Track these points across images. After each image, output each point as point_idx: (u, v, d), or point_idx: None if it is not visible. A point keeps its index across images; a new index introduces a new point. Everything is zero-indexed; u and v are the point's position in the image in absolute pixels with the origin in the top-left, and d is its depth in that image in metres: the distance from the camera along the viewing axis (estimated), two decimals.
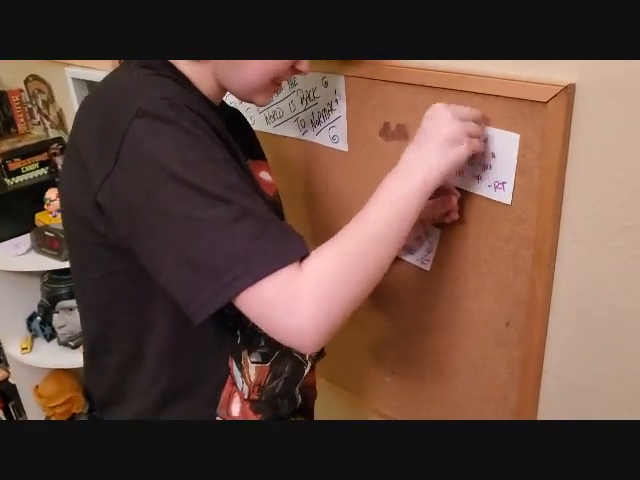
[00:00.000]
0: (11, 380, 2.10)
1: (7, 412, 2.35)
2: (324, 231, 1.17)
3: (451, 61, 0.85)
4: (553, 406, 0.93)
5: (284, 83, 1.09)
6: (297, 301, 0.65)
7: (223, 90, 0.83)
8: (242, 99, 0.86)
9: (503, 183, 0.85)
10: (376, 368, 1.19)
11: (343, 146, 1.05)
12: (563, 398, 0.91)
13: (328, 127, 1.06)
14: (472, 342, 0.98)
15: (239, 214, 0.66)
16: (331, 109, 1.04)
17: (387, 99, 0.94)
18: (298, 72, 0.83)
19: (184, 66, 0.78)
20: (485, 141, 0.84)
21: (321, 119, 1.06)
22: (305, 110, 1.08)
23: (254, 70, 0.79)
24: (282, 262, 0.65)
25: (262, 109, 1.16)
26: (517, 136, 0.81)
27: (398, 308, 1.08)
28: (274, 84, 0.83)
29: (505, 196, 0.86)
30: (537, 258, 0.84)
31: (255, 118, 1.19)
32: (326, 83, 1.02)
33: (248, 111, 1.19)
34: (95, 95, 0.79)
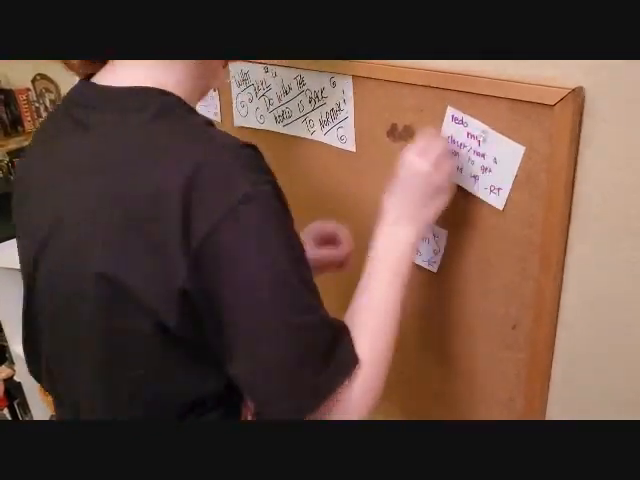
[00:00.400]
0: (16, 378, 2.11)
1: (12, 410, 2.36)
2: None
3: (458, 62, 0.84)
4: (561, 409, 0.93)
5: (293, 84, 1.09)
6: (348, 407, 0.70)
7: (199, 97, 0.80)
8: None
9: (499, 189, 0.85)
10: None
11: (351, 146, 1.05)
12: (571, 401, 0.91)
13: (336, 127, 1.06)
14: (478, 344, 0.98)
15: (320, 324, 0.67)
16: (339, 109, 1.04)
17: (394, 100, 0.94)
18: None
19: (177, 90, 0.71)
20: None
21: (329, 119, 1.06)
22: (313, 110, 1.08)
23: (215, 74, 0.80)
24: (343, 381, 0.69)
25: (271, 108, 1.16)
26: (522, 148, 0.81)
27: (404, 311, 1.08)
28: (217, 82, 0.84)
29: (499, 201, 0.86)
30: (545, 262, 0.84)
31: (265, 117, 1.19)
32: (334, 83, 1.02)
33: (257, 111, 1.19)
34: (143, 151, 0.65)
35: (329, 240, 1.01)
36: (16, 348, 1.89)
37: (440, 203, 0.80)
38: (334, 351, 0.68)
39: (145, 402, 0.71)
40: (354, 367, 0.69)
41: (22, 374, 1.99)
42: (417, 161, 0.79)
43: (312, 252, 0.95)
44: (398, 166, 0.80)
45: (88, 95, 0.72)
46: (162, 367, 0.68)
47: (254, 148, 0.68)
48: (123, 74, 0.70)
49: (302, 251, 0.67)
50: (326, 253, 0.98)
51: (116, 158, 0.65)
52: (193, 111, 0.73)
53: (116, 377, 0.70)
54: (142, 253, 0.61)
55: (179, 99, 0.71)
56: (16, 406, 2.33)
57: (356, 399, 0.70)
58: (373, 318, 0.75)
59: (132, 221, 0.62)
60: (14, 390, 2.19)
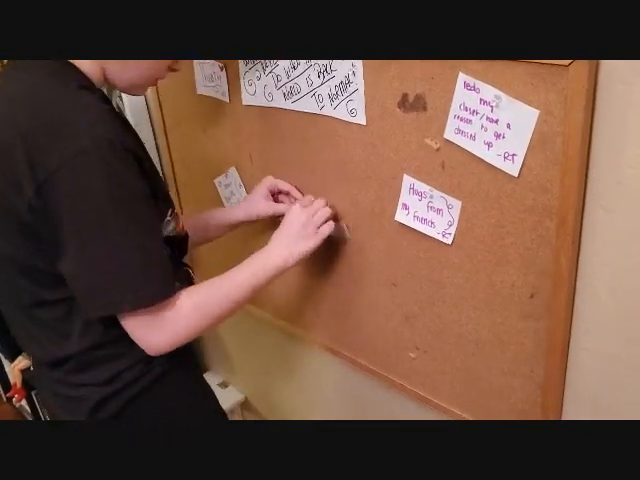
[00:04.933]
0: (32, 368, 2.12)
1: (30, 401, 2.38)
2: (343, 205, 1.16)
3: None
4: (582, 378, 0.92)
5: None
6: (163, 328, 0.92)
7: (106, 80, 0.98)
8: (123, 92, 1.06)
9: (513, 155, 0.84)
10: (399, 344, 1.18)
11: (361, 119, 1.03)
12: (592, 370, 0.90)
13: (346, 101, 1.05)
14: (496, 315, 0.97)
15: (140, 250, 0.88)
16: (348, 82, 1.02)
17: (404, 70, 0.93)
18: (174, 70, 1.03)
19: (82, 63, 0.92)
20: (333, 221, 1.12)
21: (339, 93, 1.05)
22: (322, 84, 1.07)
23: (140, 72, 0.98)
24: (159, 298, 0.90)
25: (279, 85, 1.15)
26: (537, 112, 0.79)
27: (419, 283, 1.07)
28: (154, 82, 1.04)
29: (513, 168, 0.85)
30: (561, 228, 0.83)
31: (273, 95, 1.18)
32: None
33: (266, 88, 1.18)
34: (19, 98, 0.88)
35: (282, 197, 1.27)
36: None
37: (305, 246, 1.07)
38: (146, 278, 0.88)
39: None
40: (166, 294, 0.91)
41: None
42: (298, 212, 1.09)
43: (268, 206, 1.24)
44: (288, 211, 1.12)
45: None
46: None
47: (112, 113, 0.89)
48: None
49: (130, 201, 0.87)
50: (282, 207, 1.22)
51: (5, 103, 0.90)
52: (80, 77, 0.91)
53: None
54: (6, 182, 0.86)
55: (73, 66, 0.91)
56: (34, 396, 2.35)
57: (173, 324, 0.92)
58: (219, 286, 0.99)
59: None
60: (32, 381, 2.21)
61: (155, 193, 0.95)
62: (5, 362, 2.43)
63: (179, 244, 1.09)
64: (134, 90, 1.04)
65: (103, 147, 0.82)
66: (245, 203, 1.27)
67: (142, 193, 0.89)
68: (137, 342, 0.92)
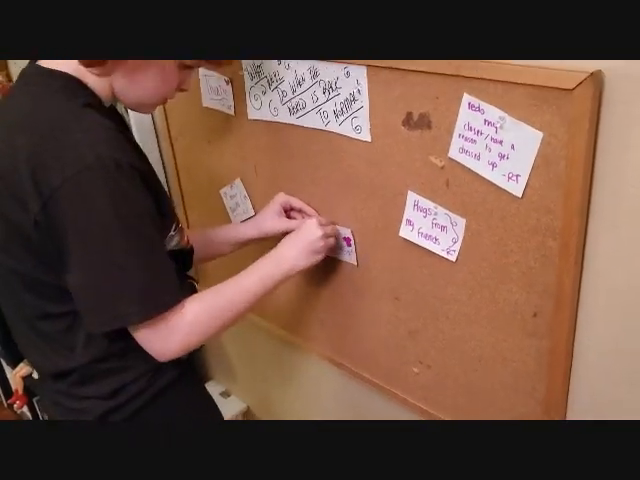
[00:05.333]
0: (35, 375, 2.12)
1: (32, 407, 2.39)
2: (348, 220, 1.17)
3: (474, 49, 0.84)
4: (584, 398, 0.92)
5: (306, 75, 1.09)
6: (170, 336, 0.93)
7: (115, 97, 0.99)
8: (131, 109, 1.06)
9: (517, 176, 0.85)
10: (403, 359, 1.19)
11: (366, 136, 1.04)
12: (595, 390, 0.91)
13: (351, 117, 1.05)
14: (499, 332, 0.97)
15: (145, 264, 0.89)
16: (353, 99, 1.03)
17: (409, 88, 0.94)
18: (183, 90, 1.04)
19: (91, 80, 0.93)
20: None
21: (344, 109, 1.06)
22: (328, 101, 1.08)
23: (147, 90, 0.98)
24: (165, 308, 0.91)
25: (285, 100, 1.16)
26: (541, 134, 0.80)
27: (423, 298, 1.08)
28: (162, 100, 1.03)
29: (517, 188, 0.85)
30: (564, 249, 0.83)
31: (279, 110, 1.19)
32: (348, 73, 1.01)
33: (271, 103, 1.19)
34: (26, 119, 0.89)
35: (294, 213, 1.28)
36: None
37: (313, 260, 1.11)
38: (152, 290, 0.90)
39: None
40: (172, 303, 0.92)
41: None
42: (315, 226, 1.11)
43: (281, 223, 1.24)
44: (304, 222, 1.15)
45: (27, 71, 0.96)
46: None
47: (116, 131, 0.89)
48: (58, 61, 0.92)
49: (136, 217, 0.88)
50: (295, 224, 1.22)
51: (11, 121, 0.91)
52: (86, 95, 0.92)
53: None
54: (11, 200, 0.87)
55: (80, 84, 0.92)
56: (35, 403, 2.36)
57: (179, 331, 0.93)
58: (225, 291, 1.00)
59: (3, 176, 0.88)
60: (33, 387, 2.21)
61: (160, 209, 0.96)
62: (7, 368, 2.44)
63: (183, 258, 1.10)
64: (142, 108, 1.05)
65: (109, 165, 0.83)
66: (257, 220, 1.27)
67: (147, 210, 0.91)
68: (146, 350, 0.94)
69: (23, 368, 2.21)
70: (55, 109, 0.89)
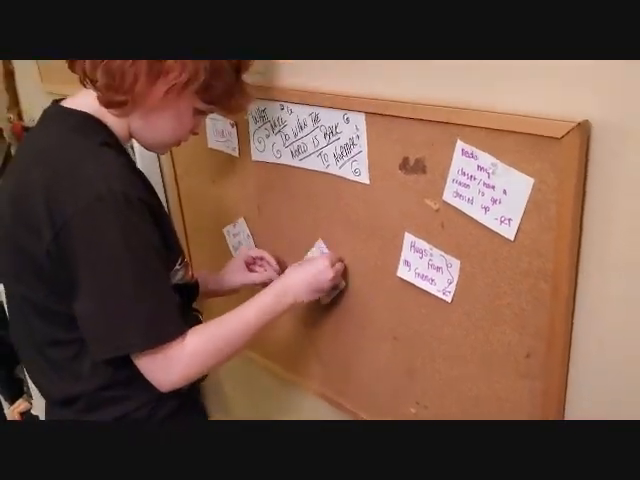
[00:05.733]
0: (33, 412, 2.13)
1: None
2: (347, 259, 1.19)
3: (466, 97, 0.87)
4: None
5: (308, 120, 1.13)
6: (171, 367, 0.96)
7: (131, 137, 1.05)
8: (146, 148, 1.09)
9: (509, 219, 0.87)
10: (401, 399, 1.19)
11: (365, 179, 1.08)
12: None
13: (350, 161, 1.09)
14: (493, 373, 0.99)
15: (150, 296, 0.93)
16: (353, 144, 1.07)
17: (405, 134, 0.97)
18: (195, 134, 1.09)
19: (110, 120, 0.99)
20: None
21: (344, 153, 1.09)
22: (328, 145, 1.12)
23: (162, 131, 1.03)
24: (167, 339, 0.94)
25: (287, 144, 1.20)
26: (532, 180, 0.83)
27: (420, 338, 1.10)
28: (177, 142, 1.09)
29: (509, 232, 0.88)
30: (556, 291, 0.85)
31: (282, 152, 1.22)
32: (347, 119, 1.05)
33: (274, 146, 1.23)
34: (45, 155, 0.95)
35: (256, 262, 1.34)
36: None
37: (313, 296, 1.12)
38: (155, 321, 0.93)
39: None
40: (174, 335, 0.94)
41: (40, 407, 2.01)
42: (327, 266, 1.12)
43: (243, 277, 1.30)
44: (316, 257, 1.17)
45: (48, 111, 1.02)
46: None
47: (128, 168, 0.96)
48: (79, 101, 1.00)
49: (144, 250, 0.92)
50: (256, 277, 1.30)
51: (30, 156, 0.98)
52: (104, 134, 0.98)
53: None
54: (25, 230, 0.92)
55: (100, 123, 0.98)
56: None
57: (179, 362, 0.95)
58: (226, 323, 1.02)
59: (18, 206, 0.94)
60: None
61: (167, 243, 0.99)
62: (5, 404, 2.44)
63: (188, 292, 1.13)
64: (157, 149, 1.10)
65: (119, 199, 0.88)
66: (218, 275, 1.33)
67: (154, 243, 0.95)
68: (148, 379, 0.96)
69: (21, 404, 2.21)
70: (72, 145, 0.94)
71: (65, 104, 1.00)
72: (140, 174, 1.06)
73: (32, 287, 0.96)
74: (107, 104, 0.96)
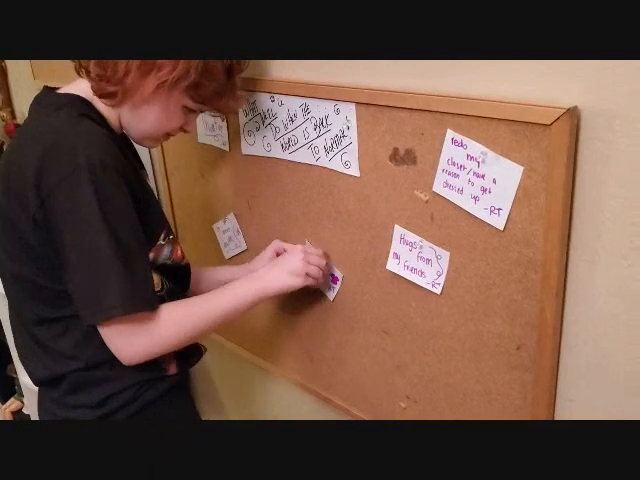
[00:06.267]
0: (25, 411, 2.12)
1: None
2: (337, 252, 1.18)
3: (455, 86, 0.87)
4: None
5: (298, 112, 1.12)
6: (136, 339, 0.96)
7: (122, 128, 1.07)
8: (135, 142, 1.12)
9: (499, 209, 0.86)
10: (391, 394, 1.18)
11: (355, 171, 1.07)
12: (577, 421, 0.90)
13: (340, 153, 1.08)
14: (483, 366, 0.98)
15: (124, 263, 0.92)
16: (343, 135, 1.06)
17: (395, 125, 0.97)
18: (185, 131, 1.10)
19: (102, 107, 1.02)
20: (323, 272, 1.16)
21: (334, 145, 1.09)
22: (318, 137, 1.11)
23: (151, 125, 1.04)
24: (142, 309, 0.94)
25: (278, 136, 1.19)
26: (521, 168, 0.82)
27: (410, 332, 1.09)
28: (165, 137, 1.10)
29: (499, 222, 0.87)
30: (546, 281, 0.84)
31: (272, 145, 1.22)
32: (338, 110, 1.05)
33: (264, 139, 1.22)
34: (34, 132, 0.97)
35: None
36: (25, 380, 1.90)
37: (291, 281, 1.11)
38: (129, 289, 0.92)
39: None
40: (146, 306, 0.95)
41: (31, 406, 1.99)
42: (296, 249, 1.16)
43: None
44: (292, 247, 1.20)
45: (40, 96, 1.05)
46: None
47: (109, 138, 0.96)
48: (72, 87, 1.03)
49: (119, 219, 0.93)
50: None
51: (19, 137, 1.02)
52: (87, 109, 1.00)
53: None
54: (15, 203, 0.94)
55: (86, 102, 1.00)
56: None
57: (145, 336, 0.96)
58: (200, 303, 1.04)
59: (12, 166, 0.96)
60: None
61: (148, 216, 1.00)
62: None
63: (180, 275, 1.13)
64: (145, 142, 1.10)
65: (97, 167, 0.90)
66: (249, 264, 1.29)
67: (130, 214, 0.95)
68: (112, 351, 0.97)
69: (13, 403, 2.20)
70: (58, 120, 0.96)
71: (59, 91, 1.03)
72: (124, 148, 1.06)
73: (21, 263, 0.98)
74: (99, 94, 0.99)
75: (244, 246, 1.42)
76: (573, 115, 0.76)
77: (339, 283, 1.20)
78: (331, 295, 1.23)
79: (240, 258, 1.44)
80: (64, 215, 0.90)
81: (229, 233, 1.45)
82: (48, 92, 1.04)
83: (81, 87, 1.02)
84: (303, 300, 1.28)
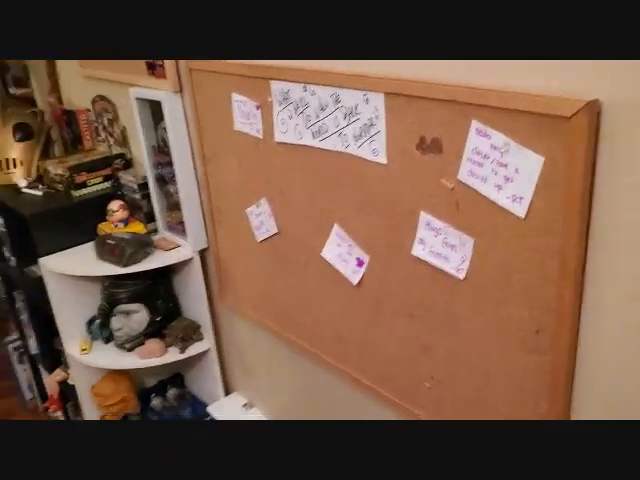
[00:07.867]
0: (70, 381, 2.22)
1: (65, 412, 2.48)
2: (363, 237, 1.22)
3: (480, 78, 0.90)
4: (586, 414, 0.95)
5: (329, 101, 1.16)
6: None
7: None
8: None
9: (521, 198, 0.89)
10: (415, 374, 1.23)
11: (383, 159, 1.11)
12: (596, 406, 0.94)
13: (369, 141, 1.12)
14: (504, 348, 1.01)
15: None
16: (372, 124, 1.10)
17: (422, 115, 1.00)
18: None
19: None
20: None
21: (363, 134, 1.13)
22: (348, 125, 1.15)
23: None
24: None
25: (309, 125, 1.24)
26: (542, 159, 0.85)
27: (435, 315, 1.13)
28: None
29: (520, 210, 0.90)
30: (564, 268, 0.87)
31: (303, 133, 1.26)
32: (367, 100, 1.08)
33: (297, 127, 1.27)
34: None
35: None
36: (71, 351, 2.00)
37: None
38: None
39: None
40: None
41: (76, 376, 2.09)
42: None
43: None
44: None
45: None
46: None
47: None
48: None
49: None
50: None
51: None
52: None
53: None
54: None
55: None
56: (68, 408, 2.45)
57: None
58: None
59: None
60: (68, 393, 2.31)
61: None
62: (44, 373, 2.54)
63: None
64: None
65: None
66: None
67: None
68: None
69: (59, 374, 2.31)
70: None
71: None
72: None
73: None
74: None
75: (275, 230, 1.47)
76: (593, 108, 0.78)
77: (364, 267, 1.24)
78: (355, 279, 1.27)
79: (271, 240, 1.49)
80: None
81: (261, 217, 1.50)
82: None
83: None
84: (331, 283, 1.32)
